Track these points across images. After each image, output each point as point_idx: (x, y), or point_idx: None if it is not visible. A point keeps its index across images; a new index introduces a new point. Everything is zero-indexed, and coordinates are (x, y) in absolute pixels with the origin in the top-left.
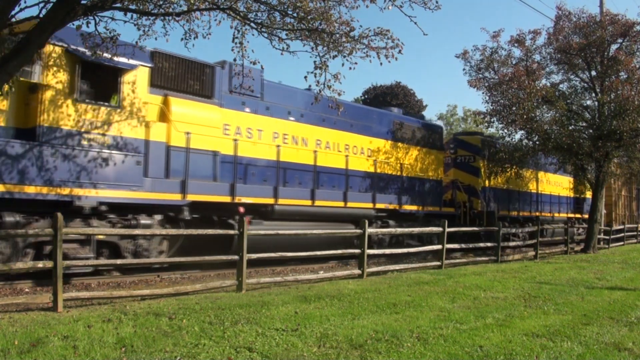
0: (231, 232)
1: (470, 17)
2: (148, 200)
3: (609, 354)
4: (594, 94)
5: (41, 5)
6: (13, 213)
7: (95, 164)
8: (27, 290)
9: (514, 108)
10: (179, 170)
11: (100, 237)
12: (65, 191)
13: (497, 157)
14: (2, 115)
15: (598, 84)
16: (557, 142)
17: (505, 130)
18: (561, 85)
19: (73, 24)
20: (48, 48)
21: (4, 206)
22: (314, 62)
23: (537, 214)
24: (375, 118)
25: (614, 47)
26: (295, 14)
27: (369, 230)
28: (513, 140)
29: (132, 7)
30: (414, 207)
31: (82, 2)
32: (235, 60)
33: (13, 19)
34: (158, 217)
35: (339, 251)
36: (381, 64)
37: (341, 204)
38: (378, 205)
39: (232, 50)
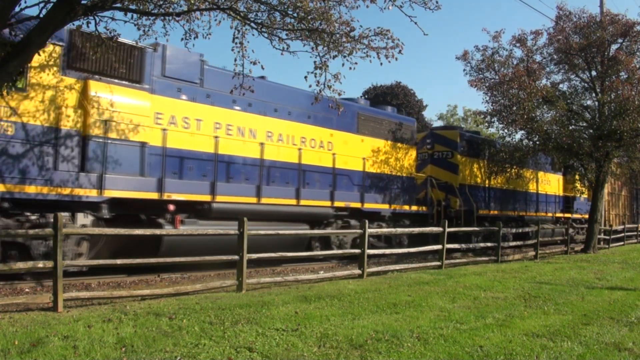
0: (232, 232)
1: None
2: (58, 197)
3: (609, 354)
4: (594, 94)
5: (41, 5)
6: None
7: None
8: (27, 290)
9: (514, 108)
10: (97, 163)
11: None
12: None
13: (497, 157)
14: None
15: (598, 84)
16: (558, 142)
17: (506, 130)
18: (561, 85)
19: (73, 24)
20: None
21: None
22: (314, 62)
23: (523, 213)
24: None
25: (614, 47)
26: (295, 14)
27: (370, 230)
28: (502, 138)
29: (132, 7)
30: (379, 206)
31: (82, 2)
32: (235, 60)
33: (13, 19)
34: (65, 214)
35: (339, 251)
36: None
37: (293, 201)
38: (337, 204)
39: (232, 50)
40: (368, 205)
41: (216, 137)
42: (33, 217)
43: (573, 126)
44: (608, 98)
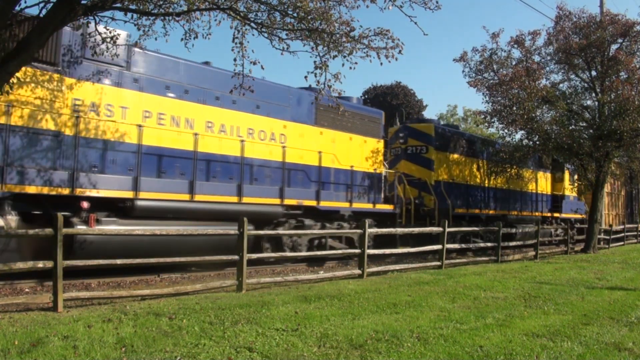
0: (231, 232)
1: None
2: None
3: (609, 354)
4: (594, 94)
5: (41, 5)
6: None
7: None
8: (27, 290)
9: (514, 108)
10: None
11: None
12: None
13: (497, 156)
14: None
15: (598, 84)
16: (558, 142)
17: (506, 131)
18: (561, 85)
19: (73, 24)
20: None
21: None
22: (314, 62)
23: (505, 212)
24: (293, 99)
25: (614, 47)
26: (295, 14)
27: (370, 230)
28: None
29: (132, 7)
30: (338, 204)
31: (82, 2)
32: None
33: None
34: None
35: (340, 251)
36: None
37: (234, 199)
38: (288, 202)
39: (232, 50)
40: (325, 204)
41: (139, 125)
42: None
43: (573, 126)
44: (608, 98)
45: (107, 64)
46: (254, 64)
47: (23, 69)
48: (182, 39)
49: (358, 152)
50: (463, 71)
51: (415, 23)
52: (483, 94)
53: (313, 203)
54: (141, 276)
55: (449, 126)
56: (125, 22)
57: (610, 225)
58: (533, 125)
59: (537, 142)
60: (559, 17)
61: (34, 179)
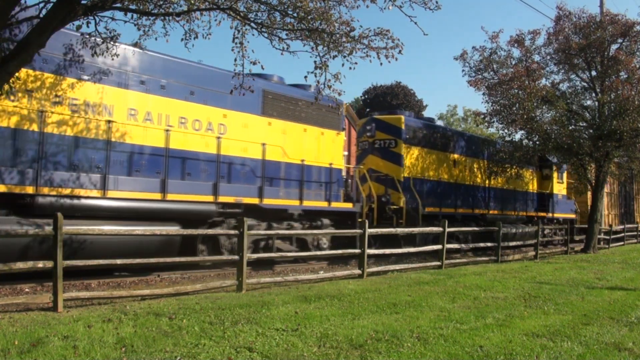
0: (231, 232)
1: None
2: None
3: (609, 354)
4: (594, 94)
5: (41, 5)
6: None
7: None
8: (27, 290)
9: (514, 108)
10: None
11: None
12: None
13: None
14: None
15: (598, 84)
16: (557, 142)
17: (506, 130)
18: (561, 85)
19: (73, 24)
20: None
21: None
22: (314, 62)
23: (484, 211)
24: (234, 85)
25: (614, 47)
26: (295, 14)
27: (369, 230)
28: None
29: (132, 7)
30: (286, 202)
31: (82, 2)
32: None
33: (13, 19)
34: None
35: (340, 251)
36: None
37: (157, 195)
38: (224, 199)
39: (232, 50)
40: (270, 201)
41: (42, 111)
42: None
43: (573, 126)
44: (608, 98)
45: None
46: (254, 64)
47: None
48: (182, 39)
49: (314, 145)
50: (463, 70)
51: (415, 23)
52: (483, 93)
53: (255, 201)
54: (141, 276)
55: (422, 119)
56: (125, 22)
57: (610, 225)
58: (533, 125)
59: (537, 142)
60: (559, 17)
61: None
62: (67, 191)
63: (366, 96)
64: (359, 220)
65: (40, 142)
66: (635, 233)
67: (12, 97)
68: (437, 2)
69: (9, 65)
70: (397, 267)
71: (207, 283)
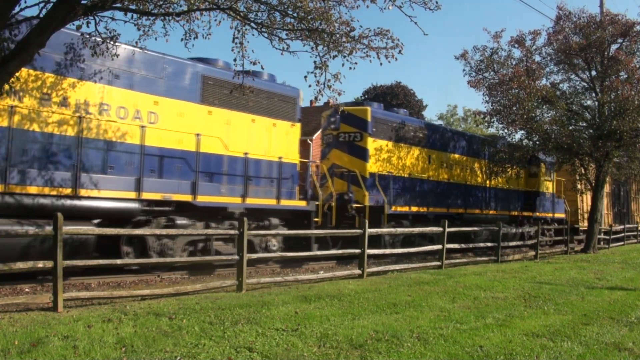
0: (232, 232)
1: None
2: None
3: (609, 354)
4: (594, 94)
5: (41, 5)
6: None
7: None
8: (27, 290)
9: (514, 108)
10: None
11: None
12: None
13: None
14: None
15: (598, 84)
16: (557, 142)
17: (506, 130)
18: (561, 85)
19: (73, 24)
20: None
21: None
22: (314, 62)
23: (461, 210)
24: (169, 70)
25: (614, 47)
26: (295, 14)
27: (369, 230)
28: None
29: (132, 7)
30: (225, 199)
31: (83, 2)
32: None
33: (13, 19)
34: None
35: (340, 251)
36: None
37: (68, 191)
38: (148, 195)
39: (232, 50)
40: (205, 199)
41: None
42: None
43: (573, 126)
44: (608, 98)
45: None
46: (254, 63)
47: None
48: (182, 39)
49: (264, 137)
50: (463, 70)
51: (415, 23)
52: (483, 93)
53: (188, 198)
54: (141, 276)
55: (391, 111)
56: (125, 22)
57: (611, 225)
58: (533, 125)
59: (537, 142)
60: (559, 17)
61: None
62: None
63: (366, 96)
64: (315, 220)
65: None
66: (635, 233)
67: None
68: (437, 2)
69: (9, 65)
70: (397, 267)
71: (207, 283)
